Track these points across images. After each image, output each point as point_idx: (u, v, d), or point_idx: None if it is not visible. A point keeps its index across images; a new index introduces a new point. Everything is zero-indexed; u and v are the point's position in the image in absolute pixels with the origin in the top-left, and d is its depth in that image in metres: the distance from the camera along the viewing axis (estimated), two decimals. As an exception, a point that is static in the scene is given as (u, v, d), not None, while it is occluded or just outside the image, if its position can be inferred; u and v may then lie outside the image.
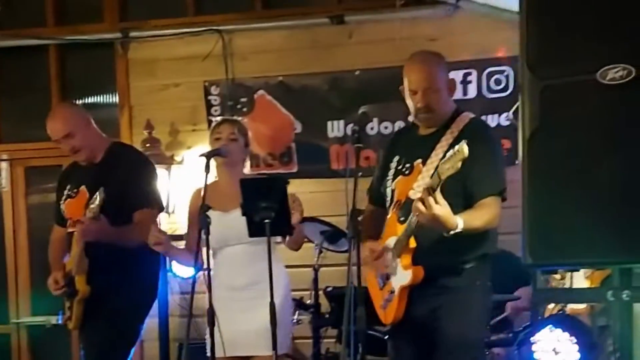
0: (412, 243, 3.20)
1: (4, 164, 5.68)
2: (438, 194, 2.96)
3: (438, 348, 3.30)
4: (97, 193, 3.77)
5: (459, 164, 2.86)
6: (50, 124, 4.10)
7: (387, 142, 3.67)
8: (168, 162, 5.11)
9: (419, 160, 3.18)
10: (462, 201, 3.17)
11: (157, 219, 4.22)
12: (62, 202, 4.16)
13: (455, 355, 3.25)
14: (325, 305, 4.40)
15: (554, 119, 2.39)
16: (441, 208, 2.96)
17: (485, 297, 3.33)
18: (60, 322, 4.22)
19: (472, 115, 3.38)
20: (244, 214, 3.60)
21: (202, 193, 3.84)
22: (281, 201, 3.56)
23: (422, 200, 2.96)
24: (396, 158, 3.40)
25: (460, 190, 3.19)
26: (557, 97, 2.38)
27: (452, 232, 3.03)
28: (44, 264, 4.26)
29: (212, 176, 3.99)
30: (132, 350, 4.09)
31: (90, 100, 5.68)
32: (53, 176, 5.33)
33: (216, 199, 3.73)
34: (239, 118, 4.66)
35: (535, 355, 3.71)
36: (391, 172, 3.40)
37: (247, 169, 4.04)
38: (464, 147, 2.85)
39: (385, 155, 3.52)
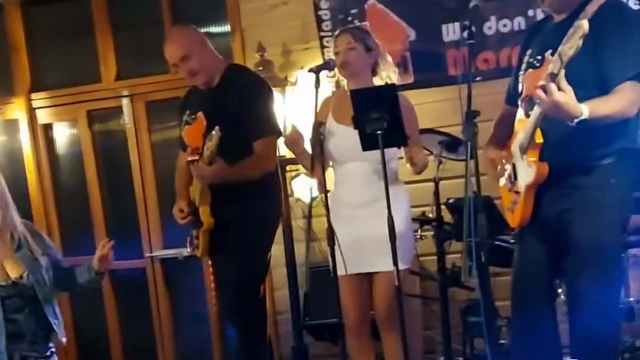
0: (539, 138, 2.97)
1: (125, 100, 5.69)
2: (562, 80, 2.71)
3: (569, 253, 3.06)
4: (214, 132, 3.69)
5: (580, 42, 2.61)
6: (166, 48, 4.06)
7: (522, 37, 3.47)
8: (282, 83, 4.97)
9: (550, 51, 2.93)
10: (595, 94, 2.88)
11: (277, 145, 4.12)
12: (182, 128, 4.11)
13: (587, 260, 3.00)
14: (448, 218, 4.22)
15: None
16: (564, 94, 2.70)
17: (622, 196, 3.04)
18: (189, 250, 4.22)
19: None
20: (355, 127, 3.49)
21: (322, 106, 3.74)
22: (393, 110, 3.42)
23: (542, 87, 2.71)
24: (529, 52, 3.19)
25: (593, 82, 2.92)
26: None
27: (576, 120, 2.77)
28: (172, 197, 4.25)
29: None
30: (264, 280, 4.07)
31: (202, 29, 5.59)
32: (173, 109, 5.33)
33: (343, 112, 3.65)
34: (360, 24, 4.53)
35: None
36: (523, 67, 3.19)
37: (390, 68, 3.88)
38: (583, 23, 2.61)
39: (520, 51, 3.33)
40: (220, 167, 3.80)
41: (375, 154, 3.45)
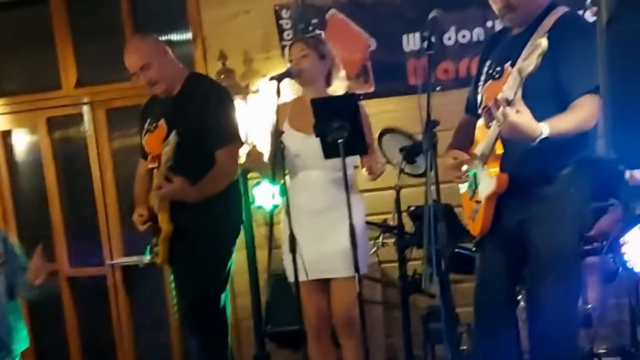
0: (499, 149, 3.03)
1: (86, 108, 5.66)
2: (519, 101, 2.75)
3: (529, 261, 3.12)
4: (171, 136, 3.70)
5: (539, 60, 2.67)
6: (126, 57, 4.05)
7: (482, 47, 3.52)
8: (244, 92, 4.99)
9: (509, 62, 2.98)
10: (554, 106, 2.94)
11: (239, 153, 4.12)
12: (143, 136, 4.10)
13: (546, 268, 3.07)
14: (409, 226, 4.24)
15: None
16: (520, 116, 2.76)
17: (580, 205, 3.11)
18: (148, 258, 4.21)
19: (565, 9, 3.13)
20: (317, 135, 3.52)
21: (278, 113, 3.75)
22: (354, 119, 3.45)
23: (497, 104, 2.77)
24: (488, 62, 3.24)
25: (552, 94, 2.97)
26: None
27: (537, 141, 2.83)
28: (133, 205, 4.24)
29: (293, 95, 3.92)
30: (227, 289, 4.08)
31: (164, 37, 5.59)
32: (134, 117, 5.33)
33: (300, 119, 3.67)
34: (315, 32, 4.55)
35: (625, 257, 3.48)
36: (482, 78, 3.24)
37: (341, 79, 3.91)
38: (542, 41, 2.66)
39: (479, 61, 3.38)
40: (182, 186, 3.81)
41: (333, 162, 3.49)
